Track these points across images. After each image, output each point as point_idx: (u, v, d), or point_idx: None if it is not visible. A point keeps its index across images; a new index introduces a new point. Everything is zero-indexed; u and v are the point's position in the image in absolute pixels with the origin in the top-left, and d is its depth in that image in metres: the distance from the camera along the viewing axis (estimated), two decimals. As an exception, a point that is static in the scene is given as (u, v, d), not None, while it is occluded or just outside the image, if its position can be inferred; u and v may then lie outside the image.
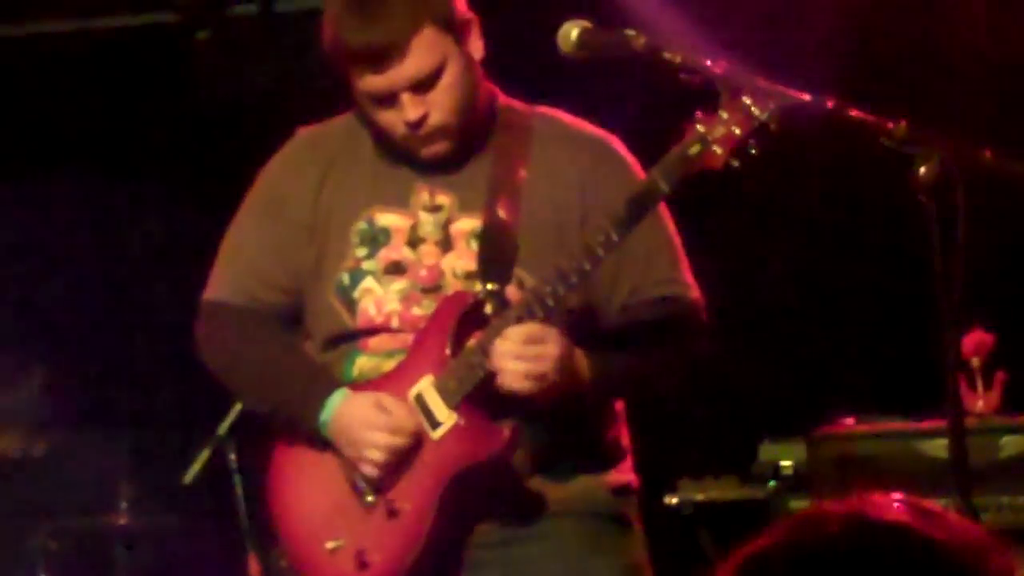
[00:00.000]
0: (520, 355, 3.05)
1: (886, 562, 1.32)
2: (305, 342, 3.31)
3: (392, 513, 3.15)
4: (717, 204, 4.99)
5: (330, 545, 3.19)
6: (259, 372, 3.30)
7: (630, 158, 3.27)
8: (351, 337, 3.25)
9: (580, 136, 3.30)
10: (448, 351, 3.14)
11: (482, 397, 3.12)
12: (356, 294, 3.22)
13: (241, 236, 3.34)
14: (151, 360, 5.90)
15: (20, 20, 6.21)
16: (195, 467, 5.02)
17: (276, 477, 3.33)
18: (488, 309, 3.15)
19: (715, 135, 2.91)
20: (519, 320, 3.07)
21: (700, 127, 2.92)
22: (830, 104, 2.76)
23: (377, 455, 3.13)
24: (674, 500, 5.04)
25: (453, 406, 3.13)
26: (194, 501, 5.20)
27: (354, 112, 3.31)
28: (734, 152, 2.91)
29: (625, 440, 3.33)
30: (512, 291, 3.16)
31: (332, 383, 3.20)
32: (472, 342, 3.14)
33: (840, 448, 4.66)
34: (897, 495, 1.39)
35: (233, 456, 4.99)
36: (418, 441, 3.15)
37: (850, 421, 4.75)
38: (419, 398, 3.15)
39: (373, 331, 3.23)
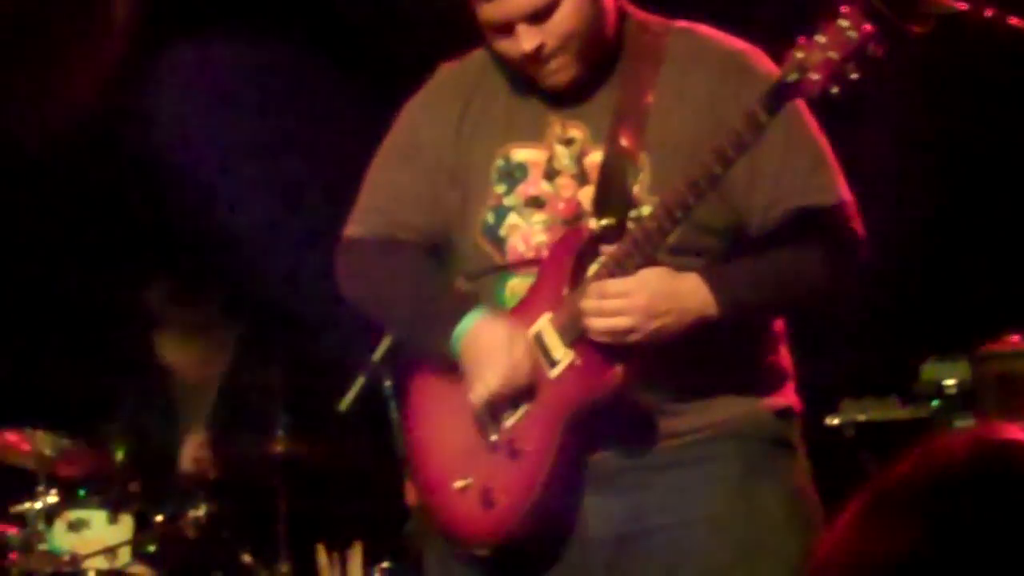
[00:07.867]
0: (600, 311, 3.01)
1: (1008, 479, 1.35)
2: (456, 279, 3.31)
3: (514, 453, 3.14)
4: (873, 119, 4.90)
5: (459, 484, 3.19)
6: (397, 297, 3.31)
7: (768, 70, 3.10)
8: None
9: (715, 51, 3.20)
10: (565, 289, 3.11)
11: None
12: (503, 231, 3.21)
13: (379, 176, 3.36)
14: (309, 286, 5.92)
15: None
16: (351, 394, 5.05)
17: (411, 416, 3.35)
18: (603, 244, 3.10)
19: (812, 60, 2.83)
20: (617, 265, 3.03)
21: (799, 53, 2.85)
22: (988, 12, 2.67)
23: (493, 382, 3.11)
24: (836, 421, 5.03)
25: (569, 343, 3.10)
26: (350, 428, 5.24)
27: (486, 46, 3.28)
28: (832, 78, 2.82)
29: (786, 362, 3.27)
30: (631, 223, 3.09)
31: (469, 304, 3.19)
32: (590, 275, 3.10)
33: (1005, 366, 4.61)
34: None
35: (388, 383, 5.01)
36: (537, 381, 3.12)
37: (1015, 338, 4.69)
38: (538, 336, 3.13)
39: (524, 265, 3.21)
